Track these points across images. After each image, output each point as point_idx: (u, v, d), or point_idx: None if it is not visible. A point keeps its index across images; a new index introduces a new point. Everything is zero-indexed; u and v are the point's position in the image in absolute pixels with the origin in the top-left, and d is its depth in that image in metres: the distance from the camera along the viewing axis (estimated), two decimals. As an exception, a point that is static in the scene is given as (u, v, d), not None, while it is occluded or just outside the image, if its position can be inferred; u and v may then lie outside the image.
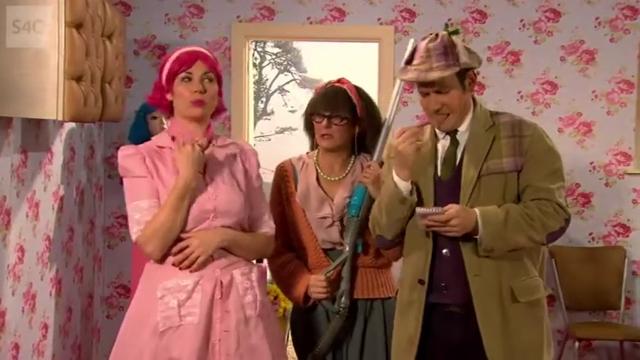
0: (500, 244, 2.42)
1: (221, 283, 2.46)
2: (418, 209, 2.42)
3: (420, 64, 2.44)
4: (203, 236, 2.46)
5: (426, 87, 2.46)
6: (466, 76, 2.47)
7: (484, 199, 2.45)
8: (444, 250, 2.48)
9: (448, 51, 2.42)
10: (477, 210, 2.41)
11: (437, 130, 2.55)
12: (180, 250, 2.46)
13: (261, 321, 2.52)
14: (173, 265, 2.47)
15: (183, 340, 2.42)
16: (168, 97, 2.54)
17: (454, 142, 2.52)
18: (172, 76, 2.51)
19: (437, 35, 2.47)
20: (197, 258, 2.45)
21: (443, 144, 2.54)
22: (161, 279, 2.48)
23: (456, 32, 2.48)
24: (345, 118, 2.78)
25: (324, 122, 2.78)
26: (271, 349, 2.51)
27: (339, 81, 2.88)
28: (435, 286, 2.50)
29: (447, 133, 2.53)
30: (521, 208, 2.44)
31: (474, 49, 2.55)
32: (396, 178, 2.49)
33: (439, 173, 2.52)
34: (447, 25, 2.52)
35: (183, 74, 2.50)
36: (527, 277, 2.49)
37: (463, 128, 2.52)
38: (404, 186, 2.48)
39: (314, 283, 2.76)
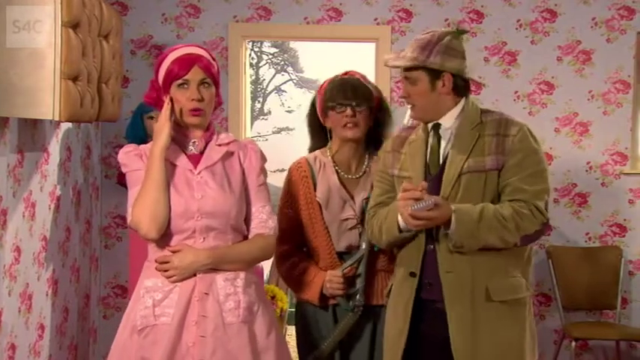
0: (471, 241, 2.42)
1: (199, 287, 2.45)
2: (410, 208, 2.40)
3: (401, 51, 2.55)
4: (184, 257, 2.45)
5: (401, 73, 2.55)
6: (440, 77, 2.49)
7: (463, 196, 2.46)
8: (430, 246, 2.51)
9: (427, 47, 2.47)
10: (452, 206, 2.42)
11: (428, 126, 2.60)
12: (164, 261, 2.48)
13: (246, 327, 2.47)
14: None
15: (156, 340, 2.42)
16: (165, 98, 2.52)
17: (437, 137, 2.54)
18: (169, 80, 2.49)
19: (434, 32, 2.52)
20: (171, 276, 2.46)
21: (431, 137, 2.58)
22: (146, 277, 2.50)
23: (457, 34, 2.51)
24: (366, 107, 2.79)
25: (349, 111, 2.77)
26: (254, 356, 2.47)
27: (347, 73, 2.88)
28: (423, 281, 2.52)
29: (432, 128, 2.56)
30: (496, 208, 2.44)
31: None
32: (401, 222, 2.51)
33: (430, 168, 2.55)
34: (457, 27, 2.59)
35: (179, 81, 2.48)
36: (505, 276, 2.49)
37: (447, 125, 2.54)
38: (405, 227, 2.51)
39: (331, 279, 2.73)
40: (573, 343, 4.61)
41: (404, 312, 2.53)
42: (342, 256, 2.79)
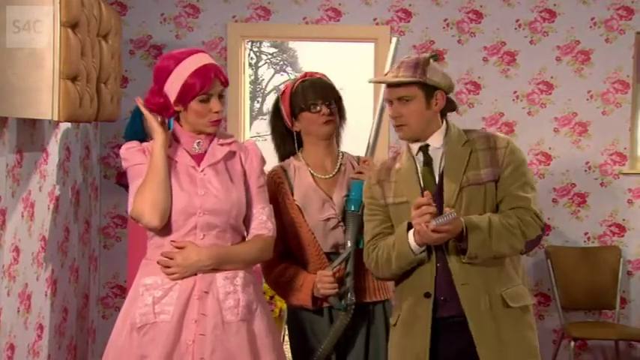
0: (485, 251, 2.46)
1: (199, 285, 2.46)
2: (432, 224, 2.39)
3: (389, 73, 2.58)
4: (188, 256, 2.47)
5: (391, 94, 2.55)
6: (433, 95, 2.55)
7: (467, 209, 2.49)
8: (437, 264, 2.51)
9: (418, 66, 2.53)
10: (462, 218, 2.44)
11: (411, 147, 2.60)
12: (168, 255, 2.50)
13: (245, 326, 2.48)
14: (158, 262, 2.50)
15: (155, 338, 2.43)
16: (178, 108, 2.53)
17: (427, 159, 2.57)
18: (191, 95, 2.48)
19: (416, 55, 2.61)
20: (173, 274, 2.47)
21: (419, 160, 2.59)
22: (145, 275, 2.51)
23: (435, 57, 2.60)
24: (336, 104, 2.84)
25: (324, 109, 2.79)
26: (252, 354, 2.48)
27: (307, 74, 2.90)
28: (437, 299, 2.50)
29: (420, 150, 2.58)
30: (500, 217, 2.49)
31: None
32: (412, 243, 2.49)
33: (424, 189, 2.54)
34: (431, 52, 2.63)
35: (204, 96, 2.49)
36: (512, 285, 2.53)
37: (437, 144, 2.57)
38: (418, 249, 2.49)
39: (321, 279, 2.71)
40: (572, 343, 4.61)
41: (422, 335, 2.49)
42: (329, 256, 2.79)
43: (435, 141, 2.57)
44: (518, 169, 2.54)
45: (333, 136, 2.87)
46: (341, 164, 2.87)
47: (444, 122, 2.60)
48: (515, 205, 2.51)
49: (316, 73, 2.92)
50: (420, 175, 2.57)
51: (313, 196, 2.79)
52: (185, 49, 2.57)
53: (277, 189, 2.81)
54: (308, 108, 2.80)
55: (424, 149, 2.57)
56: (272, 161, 2.90)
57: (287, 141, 2.90)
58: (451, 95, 2.63)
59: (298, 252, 2.81)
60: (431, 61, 2.57)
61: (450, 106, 2.62)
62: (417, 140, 2.58)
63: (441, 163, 2.56)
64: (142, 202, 2.45)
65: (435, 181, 2.55)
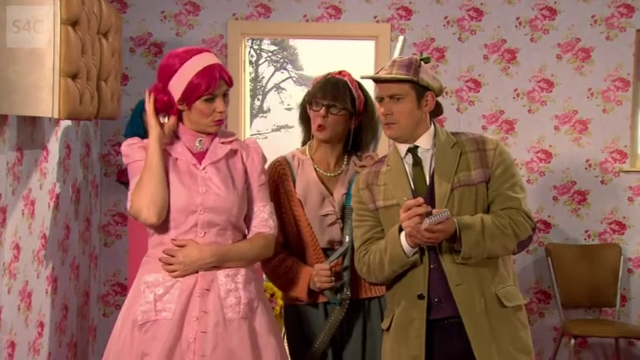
0: (479, 251, 2.46)
1: (200, 283, 2.47)
2: (425, 223, 2.39)
3: (381, 70, 2.58)
4: (189, 254, 2.48)
5: (383, 91, 2.54)
6: (424, 96, 2.55)
7: (459, 210, 2.50)
8: (431, 265, 2.51)
9: (411, 66, 2.54)
10: (454, 219, 2.45)
11: (398, 149, 2.60)
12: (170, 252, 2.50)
13: (246, 323, 2.49)
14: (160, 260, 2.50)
15: (157, 335, 2.44)
16: (181, 107, 2.53)
17: (416, 159, 2.57)
18: (196, 95, 2.48)
19: (409, 56, 2.61)
20: (174, 271, 2.48)
21: (407, 162, 2.59)
22: (146, 273, 2.52)
23: (427, 60, 2.61)
24: (343, 109, 2.77)
25: (322, 111, 2.76)
26: (254, 352, 2.49)
27: (340, 73, 2.87)
28: (432, 301, 2.51)
29: (408, 151, 2.58)
30: (492, 217, 2.50)
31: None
32: (405, 245, 2.48)
33: (417, 190, 2.55)
34: (421, 54, 2.69)
35: (208, 96, 2.49)
36: (505, 285, 2.54)
37: (427, 146, 2.57)
38: (410, 251, 2.49)
39: (318, 272, 2.71)
40: (572, 341, 4.61)
41: (417, 338, 2.50)
42: (325, 252, 2.79)
43: (424, 142, 2.58)
44: (508, 170, 2.55)
45: (334, 142, 2.82)
46: (345, 166, 2.84)
47: (432, 125, 2.61)
48: (506, 205, 2.52)
49: (347, 75, 2.86)
50: (409, 176, 2.57)
51: (314, 191, 2.79)
52: (190, 48, 2.56)
53: (280, 179, 2.81)
54: (311, 104, 2.80)
55: (413, 151, 2.57)
56: (272, 159, 2.89)
57: (305, 125, 2.89)
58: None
59: (296, 244, 2.82)
60: (423, 63, 2.59)
61: (437, 110, 2.63)
62: (405, 140, 2.58)
63: (430, 164, 2.56)
64: (140, 199, 2.46)
65: (426, 183, 2.55)
